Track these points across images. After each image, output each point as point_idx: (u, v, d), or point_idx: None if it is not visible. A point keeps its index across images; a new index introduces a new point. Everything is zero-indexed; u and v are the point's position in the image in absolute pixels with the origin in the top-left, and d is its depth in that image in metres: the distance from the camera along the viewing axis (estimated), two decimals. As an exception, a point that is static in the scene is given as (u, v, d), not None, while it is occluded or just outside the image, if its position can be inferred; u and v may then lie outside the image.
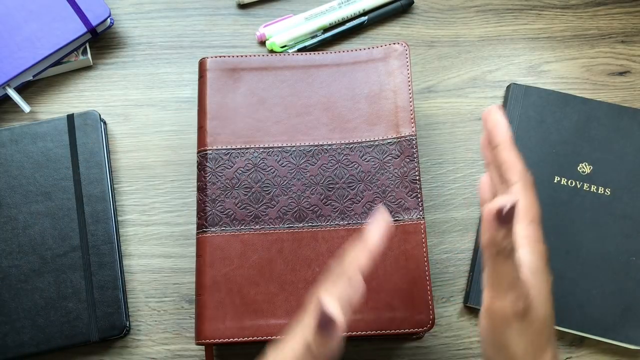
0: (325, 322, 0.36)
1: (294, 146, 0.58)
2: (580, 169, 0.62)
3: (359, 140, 0.58)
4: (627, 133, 0.63)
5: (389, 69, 0.60)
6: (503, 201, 0.37)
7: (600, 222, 0.61)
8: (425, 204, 0.63)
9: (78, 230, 0.58)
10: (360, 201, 0.57)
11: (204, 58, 0.61)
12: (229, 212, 0.56)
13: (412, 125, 0.58)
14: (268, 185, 0.57)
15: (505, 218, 0.38)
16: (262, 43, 0.68)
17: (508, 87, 0.66)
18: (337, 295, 0.39)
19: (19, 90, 0.64)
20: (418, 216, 0.56)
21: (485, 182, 0.47)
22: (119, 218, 0.61)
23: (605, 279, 0.59)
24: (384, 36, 0.69)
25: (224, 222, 0.56)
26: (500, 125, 0.43)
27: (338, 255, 0.43)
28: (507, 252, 0.39)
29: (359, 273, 0.41)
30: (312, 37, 0.68)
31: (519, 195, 0.43)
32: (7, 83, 0.62)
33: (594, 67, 0.68)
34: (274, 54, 0.62)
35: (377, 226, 0.43)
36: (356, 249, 0.42)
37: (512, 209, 0.37)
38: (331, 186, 0.57)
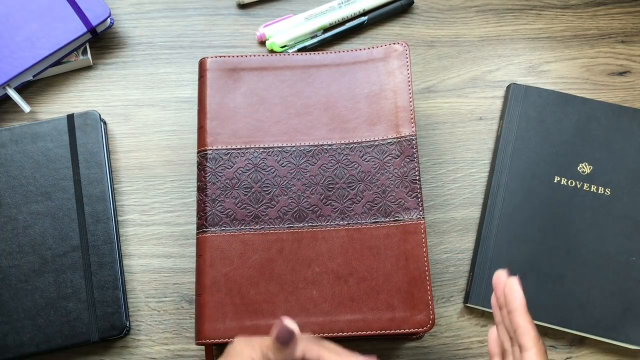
0: (283, 334, 0.41)
1: (294, 146, 0.58)
2: (580, 169, 0.62)
3: (359, 140, 0.58)
4: (627, 133, 0.63)
5: (389, 69, 0.60)
6: None
7: (600, 222, 0.61)
8: (425, 204, 0.63)
9: (78, 230, 0.58)
10: (360, 201, 0.57)
11: (204, 58, 0.61)
12: (229, 212, 0.56)
13: (412, 125, 0.58)
14: (268, 185, 0.57)
15: None
16: (262, 43, 0.68)
17: (508, 87, 0.66)
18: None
19: (19, 90, 0.64)
20: (418, 216, 0.56)
21: (493, 337, 0.50)
22: (119, 218, 0.61)
23: (605, 279, 0.59)
24: (384, 36, 0.69)
25: (224, 222, 0.56)
26: (516, 292, 0.46)
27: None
28: None
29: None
30: (312, 37, 0.68)
31: None
32: (7, 83, 0.62)
33: (594, 67, 0.68)
34: (274, 54, 0.62)
35: None
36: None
37: None
38: (331, 186, 0.57)
